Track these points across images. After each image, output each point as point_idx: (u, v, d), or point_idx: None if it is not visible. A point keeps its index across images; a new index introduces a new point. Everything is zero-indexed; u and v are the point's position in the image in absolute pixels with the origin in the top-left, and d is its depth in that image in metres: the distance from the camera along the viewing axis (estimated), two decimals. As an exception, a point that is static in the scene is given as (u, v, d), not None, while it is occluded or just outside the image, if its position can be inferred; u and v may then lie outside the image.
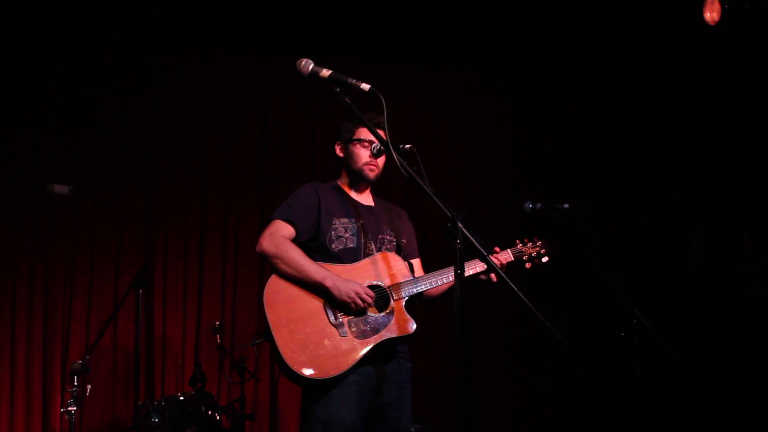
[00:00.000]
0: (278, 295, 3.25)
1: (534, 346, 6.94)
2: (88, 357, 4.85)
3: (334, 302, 3.24)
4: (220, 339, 5.59)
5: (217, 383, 6.22)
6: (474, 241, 2.65)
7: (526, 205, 4.06)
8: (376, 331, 3.26)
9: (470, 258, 3.39)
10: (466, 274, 3.41)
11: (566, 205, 3.98)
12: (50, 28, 6.37)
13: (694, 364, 6.68)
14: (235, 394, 5.95)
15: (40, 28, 6.34)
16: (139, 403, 5.39)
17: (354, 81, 2.83)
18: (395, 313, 3.31)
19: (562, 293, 7.02)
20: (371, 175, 3.57)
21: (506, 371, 7.07)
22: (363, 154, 3.55)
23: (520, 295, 2.62)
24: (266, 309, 3.22)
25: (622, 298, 3.93)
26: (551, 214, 3.99)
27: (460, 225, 2.58)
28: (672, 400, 6.85)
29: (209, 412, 5.15)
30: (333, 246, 3.41)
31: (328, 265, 3.32)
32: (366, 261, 3.41)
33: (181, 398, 5.15)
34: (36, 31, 6.34)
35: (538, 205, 4.03)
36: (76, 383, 4.66)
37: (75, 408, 4.62)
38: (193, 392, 5.27)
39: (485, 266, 3.42)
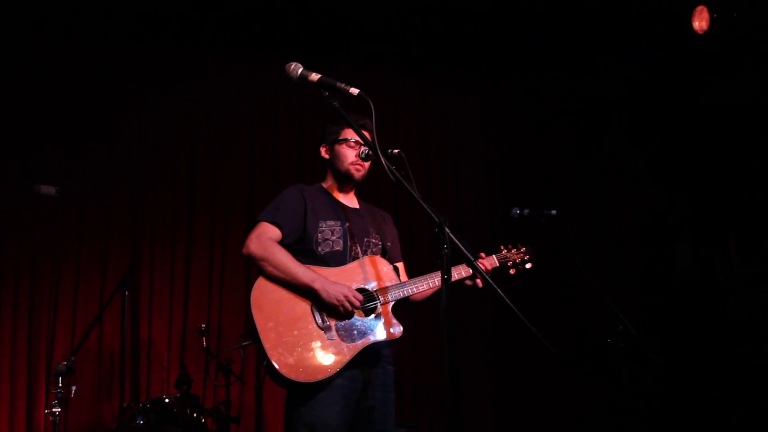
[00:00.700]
0: (265, 298, 3.23)
1: (520, 351, 6.95)
2: (73, 358, 4.83)
3: (322, 305, 3.23)
4: (206, 342, 5.57)
5: (202, 386, 6.20)
6: (461, 246, 2.65)
7: (514, 211, 4.07)
8: (363, 335, 3.25)
9: (457, 263, 3.40)
10: (453, 279, 3.42)
11: (554, 212, 3.99)
12: (39, 30, 6.34)
13: (679, 370, 6.71)
14: (220, 397, 5.94)
15: (29, 29, 6.31)
16: (124, 405, 5.38)
17: (343, 85, 2.83)
18: (382, 317, 3.31)
19: (549, 299, 7.04)
20: (357, 175, 3.57)
21: (492, 376, 7.07)
22: (349, 154, 3.54)
23: (507, 300, 2.62)
24: (253, 311, 3.20)
25: (609, 305, 3.94)
26: (539, 220, 4.00)
27: (447, 230, 2.59)
28: (657, 406, 6.87)
29: (194, 415, 5.14)
30: (319, 249, 3.39)
31: (315, 268, 3.31)
32: (354, 264, 3.40)
33: (167, 400, 5.13)
34: (24, 33, 6.32)
35: (526, 211, 4.04)
36: (60, 384, 4.63)
37: (59, 409, 4.59)
38: (179, 394, 5.25)
39: (471, 271, 3.43)
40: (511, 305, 2.62)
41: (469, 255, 2.70)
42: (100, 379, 6.11)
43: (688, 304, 7.04)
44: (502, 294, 2.65)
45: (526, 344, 6.81)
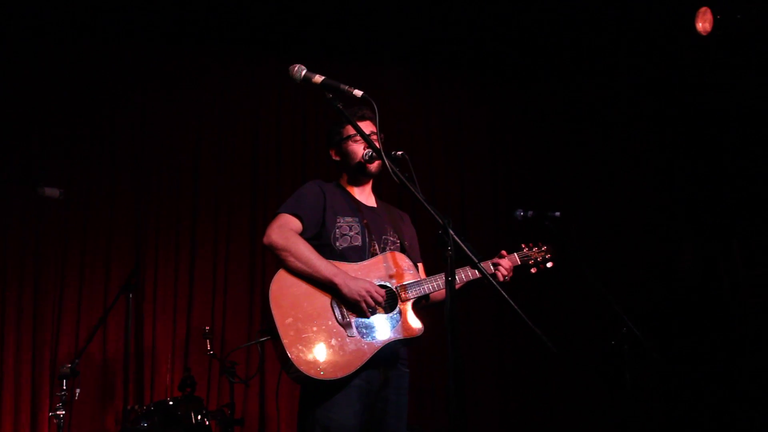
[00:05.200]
0: (284, 291, 3.17)
1: (524, 352, 6.95)
2: (77, 361, 4.82)
3: (342, 300, 3.18)
4: (210, 344, 5.56)
5: (206, 388, 6.20)
6: (465, 248, 2.64)
7: (518, 213, 4.06)
8: (384, 332, 3.21)
9: (463, 265, 3.38)
10: (474, 277, 3.40)
11: (557, 213, 3.98)
12: (41, 31, 6.34)
13: (683, 371, 6.70)
14: (224, 399, 5.93)
15: (31, 31, 6.31)
16: (128, 407, 5.36)
17: (346, 87, 2.83)
18: (403, 314, 3.28)
19: (553, 301, 7.03)
20: (372, 164, 3.50)
21: (497, 377, 7.06)
22: (358, 149, 3.49)
23: (511, 302, 2.61)
24: (272, 305, 3.13)
25: (613, 306, 3.93)
26: (543, 222, 3.99)
27: (451, 232, 2.58)
28: (661, 408, 6.86)
29: (198, 417, 5.13)
30: (338, 244, 3.35)
31: (336, 263, 3.26)
32: (375, 259, 3.36)
33: (170, 403, 5.13)
34: (27, 34, 6.32)
35: (530, 212, 4.03)
36: (64, 387, 4.64)
37: (63, 412, 4.59)
38: (183, 397, 5.25)
39: (492, 270, 3.41)
40: (516, 307, 2.61)
41: (472, 257, 2.70)
42: (104, 382, 6.11)
43: (692, 306, 7.03)
44: (506, 296, 2.64)
45: (531, 346, 6.81)
